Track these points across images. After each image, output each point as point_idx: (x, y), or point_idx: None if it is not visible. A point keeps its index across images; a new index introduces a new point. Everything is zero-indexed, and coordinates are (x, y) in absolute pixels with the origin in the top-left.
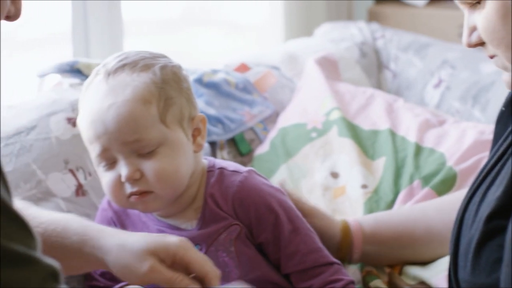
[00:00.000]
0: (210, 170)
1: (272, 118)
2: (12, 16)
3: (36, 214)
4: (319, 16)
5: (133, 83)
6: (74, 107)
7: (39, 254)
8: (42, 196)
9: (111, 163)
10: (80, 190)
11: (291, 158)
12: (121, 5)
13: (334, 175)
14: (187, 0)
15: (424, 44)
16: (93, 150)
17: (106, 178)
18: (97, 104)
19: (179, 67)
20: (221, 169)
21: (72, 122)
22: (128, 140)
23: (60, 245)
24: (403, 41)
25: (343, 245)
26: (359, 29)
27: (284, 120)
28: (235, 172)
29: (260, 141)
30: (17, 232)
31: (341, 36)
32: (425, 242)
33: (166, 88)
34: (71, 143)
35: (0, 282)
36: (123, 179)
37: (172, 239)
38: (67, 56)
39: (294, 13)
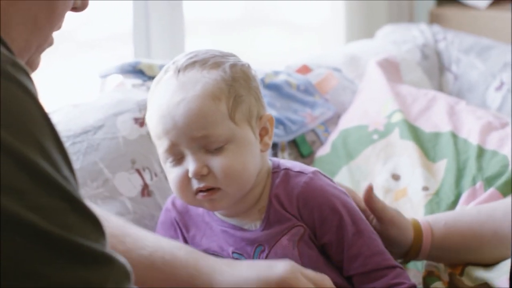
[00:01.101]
0: (275, 171)
1: (334, 119)
2: (79, 7)
3: (140, 235)
4: (380, 18)
5: (203, 79)
6: (141, 107)
7: (113, 252)
8: (109, 195)
9: (178, 159)
10: (146, 190)
11: (353, 160)
12: (183, 5)
13: (395, 177)
14: (247, 0)
15: (486, 47)
16: (161, 146)
17: (173, 173)
18: (166, 99)
19: (248, 66)
20: (286, 169)
21: (139, 122)
22: (196, 136)
23: (168, 275)
24: (464, 43)
25: (411, 251)
26: (420, 31)
27: (346, 122)
28: (300, 173)
29: (321, 143)
30: (92, 230)
31: (403, 38)
32: (492, 246)
33: (235, 86)
34: (138, 143)
35: (80, 281)
36: (190, 174)
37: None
38: (128, 56)
39: (355, 14)
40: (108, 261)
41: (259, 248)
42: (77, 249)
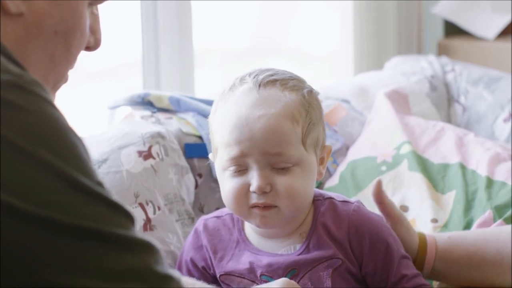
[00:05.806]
0: (318, 199)
1: (342, 151)
2: (92, 46)
3: None
4: (389, 49)
5: (285, 99)
6: (145, 140)
7: (149, 237)
8: None
9: (240, 170)
10: (148, 224)
11: (361, 191)
12: (192, 35)
13: (404, 208)
14: (256, 30)
15: (494, 78)
16: (228, 153)
17: (231, 183)
18: (246, 110)
19: (318, 95)
20: (330, 199)
21: (143, 155)
22: (270, 152)
23: None
24: (473, 75)
25: (418, 259)
26: (429, 63)
27: (354, 153)
28: (346, 202)
29: (330, 174)
30: (128, 222)
31: (411, 70)
32: (495, 264)
33: (311, 112)
34: (142, 177)
35: (130, 266)
36: (253, 189)
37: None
38: (137, 86)
39: (364, 46)
40: (148, 246)
41: (292, 272)
42: (123, 239)
